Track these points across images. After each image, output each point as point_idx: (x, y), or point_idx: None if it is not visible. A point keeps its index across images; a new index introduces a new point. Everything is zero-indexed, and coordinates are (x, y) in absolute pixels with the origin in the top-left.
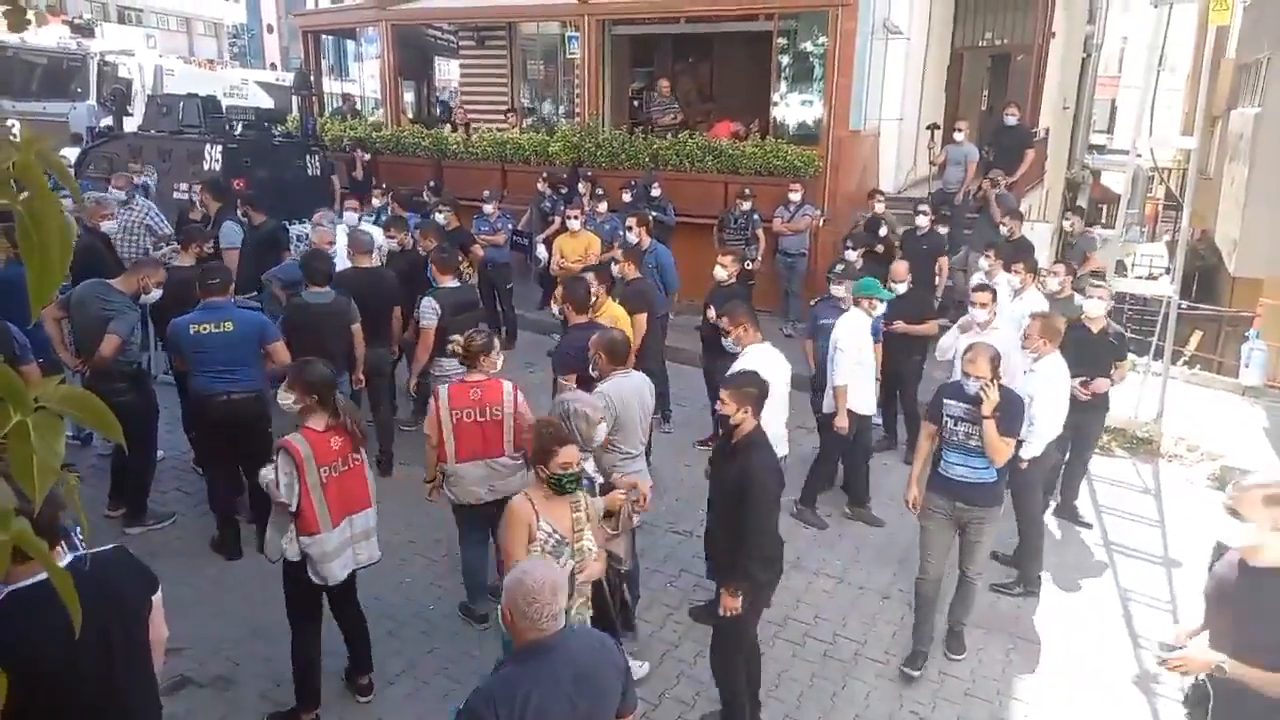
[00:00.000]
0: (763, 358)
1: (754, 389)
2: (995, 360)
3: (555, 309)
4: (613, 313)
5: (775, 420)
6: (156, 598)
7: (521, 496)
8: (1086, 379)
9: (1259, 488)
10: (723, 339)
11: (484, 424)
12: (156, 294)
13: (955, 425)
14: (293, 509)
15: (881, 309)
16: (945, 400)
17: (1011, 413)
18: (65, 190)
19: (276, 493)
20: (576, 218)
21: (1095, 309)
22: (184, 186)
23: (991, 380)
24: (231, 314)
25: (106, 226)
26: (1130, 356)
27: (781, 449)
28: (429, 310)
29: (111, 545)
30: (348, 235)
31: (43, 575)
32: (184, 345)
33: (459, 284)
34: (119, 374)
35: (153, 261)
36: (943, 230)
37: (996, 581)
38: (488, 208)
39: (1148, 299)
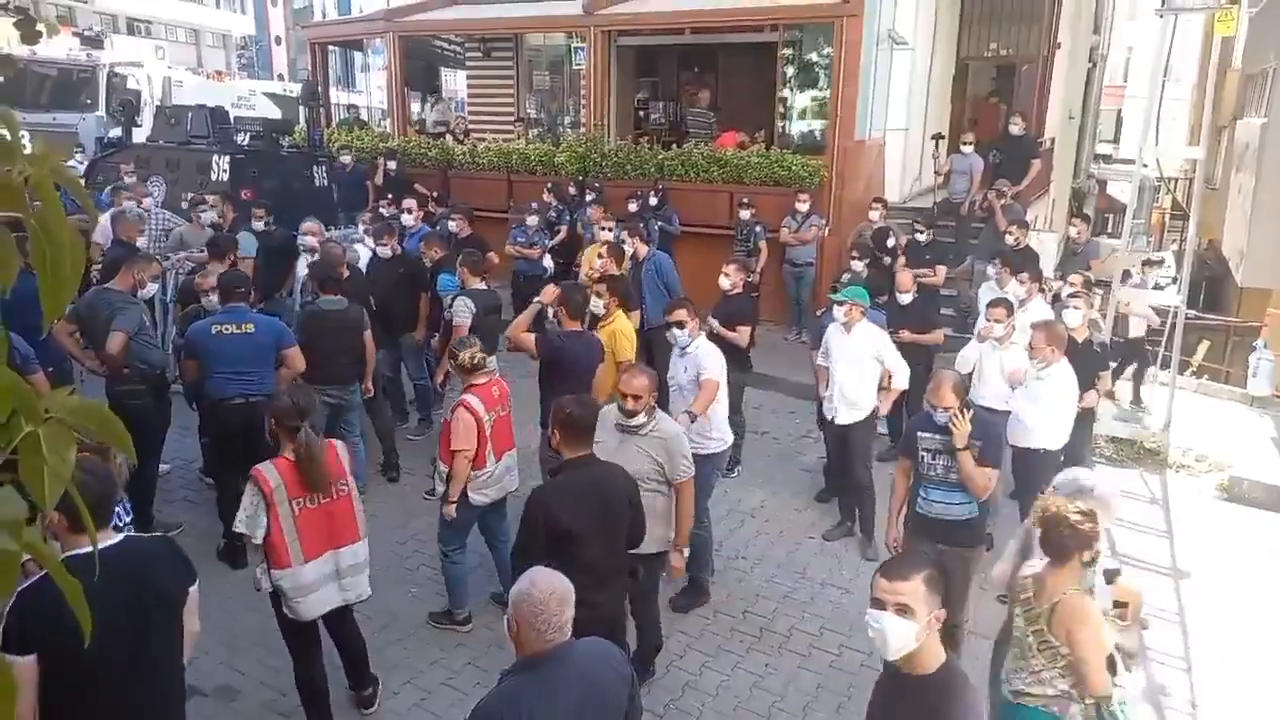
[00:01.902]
0: (712, 348)
1: (561, 416)
2: (960, 387)
3: (550, 313)
4: (621, 325)
5: (718, 412)
6: (193, 590)
7: (1081, 593)
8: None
9: (917, 570)
10: (676, 331)
11: (505, 417)
12: (153, 288)
13: (933, 459)
14: (256, 541)
15: (840, 313)
16: (919, 433)
17: (989, 438)
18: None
19: (238, 527)
20: (608, 229)
21: (1073, 319)
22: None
23: (960, 409)
24: (252, 317)
25: (140, 241)
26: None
27: (728, 437)
28: (463, 308)
29: (158, 534)
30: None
31: (96, 546)
32: (204, 347)
33: (486, 287)
34: (141, 377)
35: (145, 256)
36: (923, 238)
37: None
38: (531, 220)
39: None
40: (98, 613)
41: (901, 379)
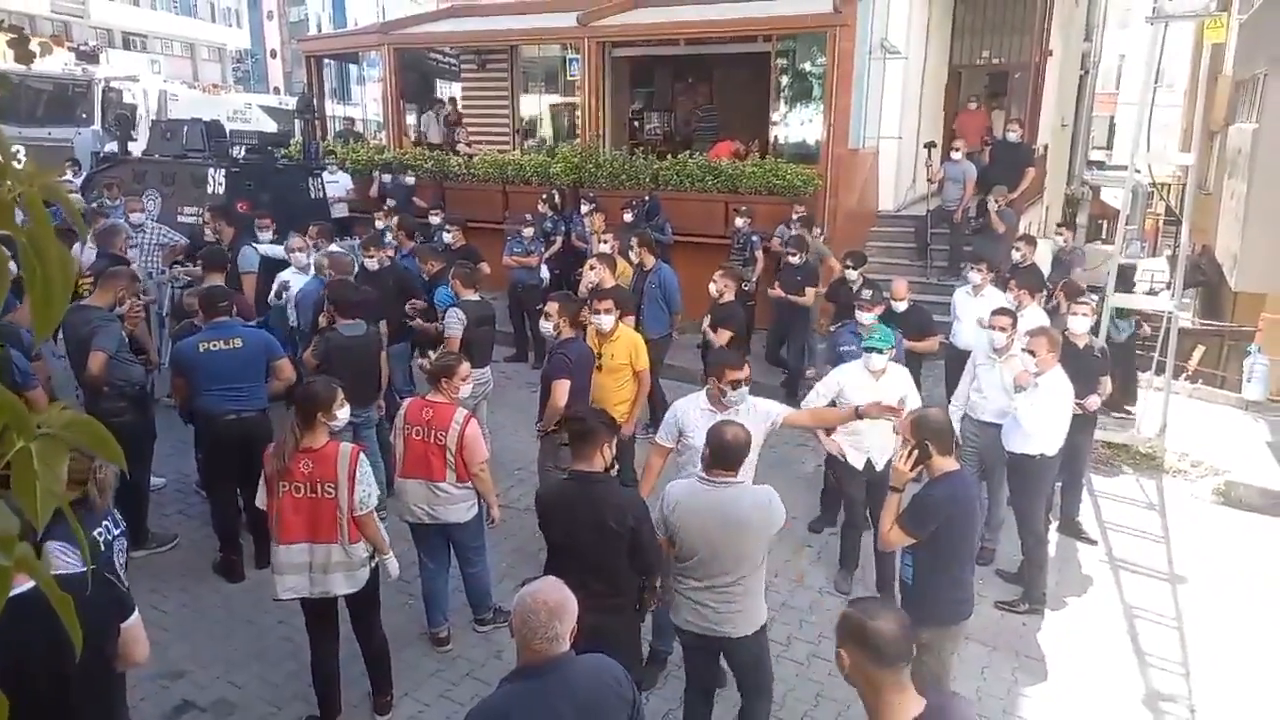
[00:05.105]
0: (756, 399)
1: (576, 428)
2: (925, 429)
3: (550, 326)
4: (634, 335)
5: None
6: (131, 621)
7: None
8: (1080, 398)
9: (902, 628)
10: (745, 390)
11: (428, 445)
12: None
13: None
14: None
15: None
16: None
17: (920, 506)
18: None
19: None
20: (606, 240)
21: (1080, 326)
22: (189, 210)
23: (911, 451)
24: (239, 331)
25: (131, 253)
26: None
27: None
28: (455, 321)
29: (89, 567)
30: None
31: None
32: (191, 365)
33: (479, 298)
34: (120, 394)
35: (125, 273)
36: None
37: (1002, 599)
38: (527, 231)
39: (1149, 314)
40: (12, 660)
41: None
